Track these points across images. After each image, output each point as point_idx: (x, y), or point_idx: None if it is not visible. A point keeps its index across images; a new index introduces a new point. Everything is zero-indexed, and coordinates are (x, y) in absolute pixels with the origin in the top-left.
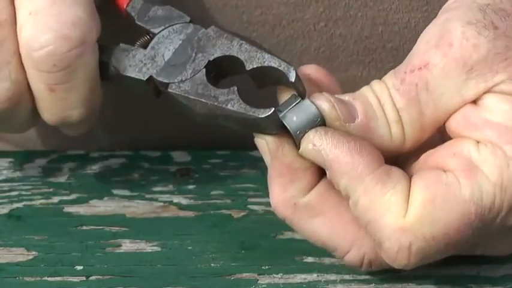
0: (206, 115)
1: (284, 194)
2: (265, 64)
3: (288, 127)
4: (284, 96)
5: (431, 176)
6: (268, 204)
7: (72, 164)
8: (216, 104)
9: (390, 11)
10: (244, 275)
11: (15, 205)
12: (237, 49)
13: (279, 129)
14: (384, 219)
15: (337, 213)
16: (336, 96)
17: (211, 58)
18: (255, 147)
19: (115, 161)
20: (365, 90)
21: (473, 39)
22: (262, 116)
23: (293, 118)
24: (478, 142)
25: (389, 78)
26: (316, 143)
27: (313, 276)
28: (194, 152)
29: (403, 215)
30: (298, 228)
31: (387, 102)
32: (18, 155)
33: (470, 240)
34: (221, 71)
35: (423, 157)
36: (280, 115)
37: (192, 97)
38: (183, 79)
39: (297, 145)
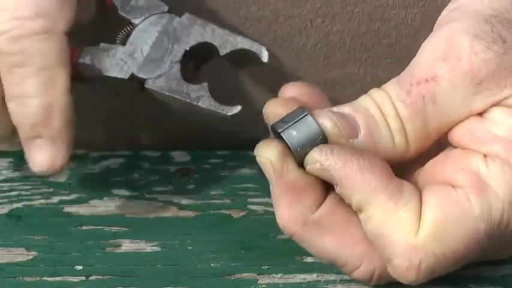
0: (181, 110)
1: (292, 212)
2: (238, 47)
3: (289, 143)
4: (289, 107)
5: (442, 194)
6: (268, 204)
7: (72, 164)
8: (188, 100)
9: (387, 7)
10: (244, 275)
11: (15, 205)
12: (210, 35)
13: (243, 127)
14: (395, 236)
15: (347, 230)
16: (336, 109)
17: (187, 47)
18: (255, 147)
19: (115, 161)
20: (365, 100)
21: (482, 54)
22: (230, 113)
23: (293, 133)
24: (485, 156)
25: (393, 88)
26: (323, 162)
27: (313, 276)
28: (194, 152)
29: (415, 233)
30: (307, 245)
31: (391, 112)
32: (18, 155)
33: (477, 254)
34: (199, 58)
35: (429, 167)
36: (282, 129)
37: (167, 93)
38: (161, 74)
39: (296, 161)
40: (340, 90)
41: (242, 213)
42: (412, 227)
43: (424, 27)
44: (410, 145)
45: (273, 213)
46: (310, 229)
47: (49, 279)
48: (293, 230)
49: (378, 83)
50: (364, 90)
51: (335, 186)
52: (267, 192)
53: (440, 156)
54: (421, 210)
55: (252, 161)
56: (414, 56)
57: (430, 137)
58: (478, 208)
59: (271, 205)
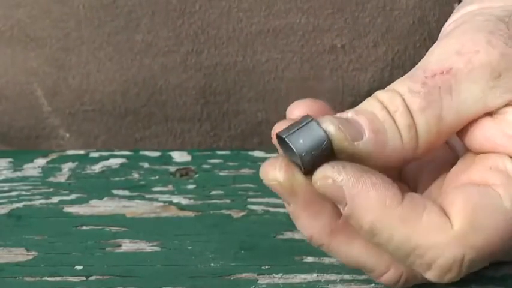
0: None
1: (317, 223)
2: None
3: (293, 148)
4: (294, 115)
5: (470, 188)
6: (268, 204)
7: (72, 164)
8: None
9: None
10: (244, 275)
11: (15, 205)
12: None
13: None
14: (431, 239)
15: None
16: (338, 115)
17: None
18: (255, 147)
19: (115, 161)
20: (368, 102)
21: (500, 48)
22: None
23: (298, 139)
24: (510, 156)
25: (403, 83)
26: (336, 178)
27: (313, 276)
28: (194, 152)
29: (450, 227)
30: (335, 253)
31: (400, 108)
32: (18, 155)
33: (506, 248)
34: None
35: (454, 177)
36: (287, 134)
37: None
38: None
39: (302, 169)
40: (282, 40)
41: (242, 213)
42: (444, 223)
43: None
44: (421, 141)
45: (273, 213)
46: (338, 237)
47: (49, 279)
48: (321, 242)
49: (319, 32)
50: (305, 39)
51: (342, 209)
52: (267, 192)
53: (461, 165)
54: (442, 208)
55: (252, 161)
56: (354, 6)
57: (442, 133)
58: (509, 202)
59: (271, 205)
